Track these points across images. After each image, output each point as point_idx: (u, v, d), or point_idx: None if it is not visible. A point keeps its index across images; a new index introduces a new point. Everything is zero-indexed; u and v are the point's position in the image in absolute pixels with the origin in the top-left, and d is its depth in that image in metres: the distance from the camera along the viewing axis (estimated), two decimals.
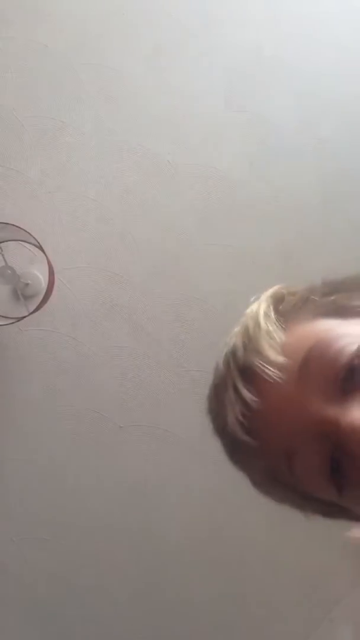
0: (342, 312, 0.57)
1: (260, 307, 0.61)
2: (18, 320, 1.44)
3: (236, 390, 0.57)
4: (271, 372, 0.55)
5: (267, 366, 0.56)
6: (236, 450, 0.61)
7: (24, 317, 1.44)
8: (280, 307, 0.61)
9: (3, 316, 1.48)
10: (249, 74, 1.57)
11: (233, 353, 0.60)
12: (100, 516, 1.63)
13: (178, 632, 1.70)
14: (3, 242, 1.46)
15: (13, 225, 1.37)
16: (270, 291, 0.64)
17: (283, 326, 0.58)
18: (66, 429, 1.59)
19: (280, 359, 0.55)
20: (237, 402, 0.57)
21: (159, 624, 1.69)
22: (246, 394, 0.56)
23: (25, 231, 1.37)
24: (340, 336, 0.54)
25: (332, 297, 0.60)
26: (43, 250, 1.38)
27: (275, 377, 0.55)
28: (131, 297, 1.58)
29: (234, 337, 0.61)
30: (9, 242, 1.47)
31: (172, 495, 1.63)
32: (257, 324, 0.59)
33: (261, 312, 0.60)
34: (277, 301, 0.62)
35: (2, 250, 1.46)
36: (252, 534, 1.65)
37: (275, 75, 1.58)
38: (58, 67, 1.54)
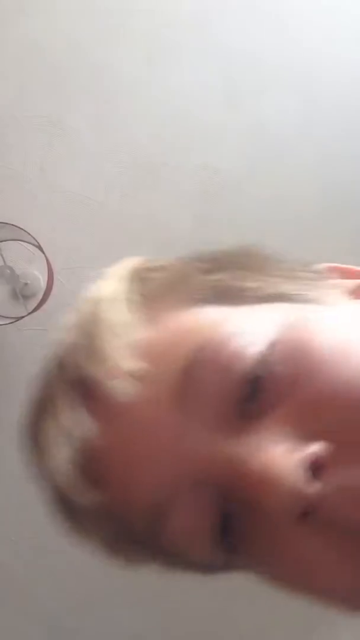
0: (231, 296, 0.39)
1: (111, 287, 0.40)
2: (17, 320, 1.44)
3: (67, 415, 0.37)
4: (127, 387, 0.35)
5: (120, 377, 0.35)
6: (68, 509, 0.40)
7: (23, 316, 1.43)
8: (143, 288, 0.40)
9: (2, 316, 1.48)
10: (248, 74, 1.57)
11: (63, 359, 0.39)
12: None
13: (178, 631, 1.70)
14: (2, 241, 1.46)
15: (12, 224, 1.37)
16: (126, 265, 0.43)
17: (146, 316, 0.38)
18: None
19: (141, 366, 0.36)
20: (68, 436, 0.36)
21: (159, 622, 1.69)
22: (84, 421, 0.36)
23: (24, 231, 1.37)
24: (234, 332, 0.36)
25: (217, 276, 0.41)
26: (42, 250, 1.38)
27: (133, 395, 0.35)
28: None
29: (64, 333, 0.41)
30: (7, 242, 1.47)
31: None
32: (103, 313, 0.38)
33: (112, 295, 0.39)
34: (138, 279, 0.41)
35: (1, 250, 1.46)
36: None
37: (276, 75, 1.58)
38: (56, 66, 1.53)
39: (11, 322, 1.44)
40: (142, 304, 0.39)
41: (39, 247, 1.37)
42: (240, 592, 1.69)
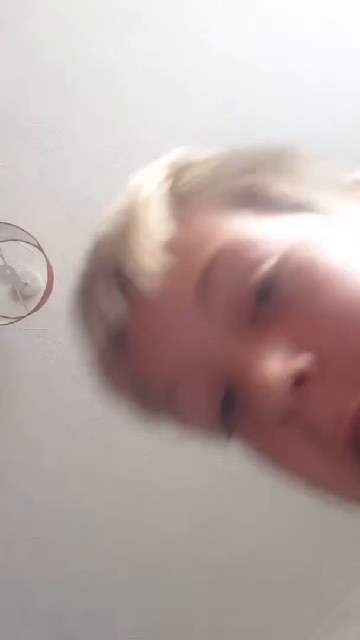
0: (259, 203, 0.41)
1: (147, 183, 0.44)
2: (17, 320, 1.44)
3: (102, 300, 0.42)
4: (154, 279, 0.40)
5: (148, 271, 0.40)
6: (104, 377, 0.48)
7: (23, 317, 1.43)
8: (179, 184, 0.43)
9: (2, 316, 1.48)
10: (248, 75, 1.57)
11: (99, 248, 0.45)
12: (100, 516, 1.63)
13: (178, 630, 1.70)
14: (2, 241, 1.46)
15: (12, 224, 1.37)
16: (166, 159, 0.47)
17: (176, 215, 0.41)
18: (66, 429, 1.59)
19: (168, 261, 0.39)
20: (102, 317, 0.42)
21: (160, 622, 1.69)
22: (117, 307, 0.41)
23: (24, 231, 1.37)
24: (254, 241, 0.39)
25: (248, 180, 0.43)
26: (42, 250, 1.38)
27: (159, 287, 0.39)
28: None
29: (104, 225, 0.45)
30: (7, 242, 1.47)
31: (173, 496, 1.63)
32: (136, 210, 0.42)
33: (146, 192, 0.43)
34: (176, 175, 0.44)
35: (1, 250, 1.46)
36: (252, 530, 1.65)
37: (276, 77, 1.58)
38: (55, 67, 1.54)
39: (11, 322, 1.44)
40: (174, 202, 0.42)
41: (39, 247, 1.37)
42: (240, 591, 1.69)
